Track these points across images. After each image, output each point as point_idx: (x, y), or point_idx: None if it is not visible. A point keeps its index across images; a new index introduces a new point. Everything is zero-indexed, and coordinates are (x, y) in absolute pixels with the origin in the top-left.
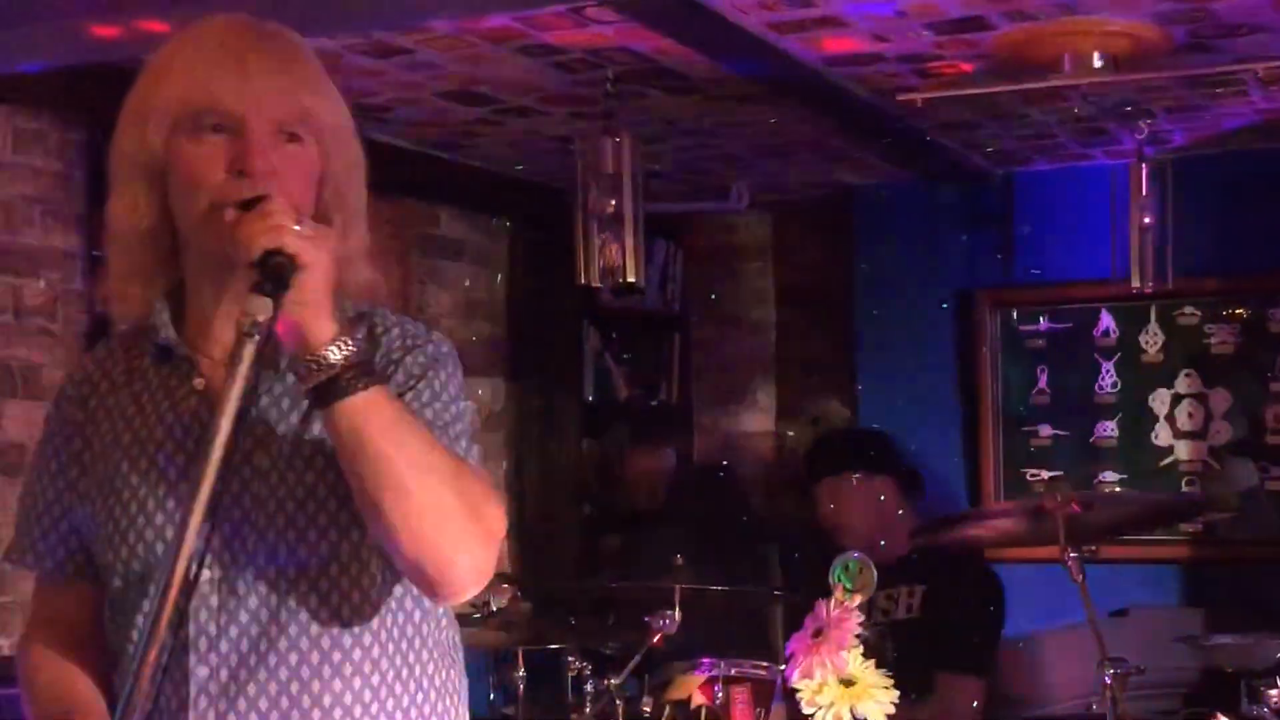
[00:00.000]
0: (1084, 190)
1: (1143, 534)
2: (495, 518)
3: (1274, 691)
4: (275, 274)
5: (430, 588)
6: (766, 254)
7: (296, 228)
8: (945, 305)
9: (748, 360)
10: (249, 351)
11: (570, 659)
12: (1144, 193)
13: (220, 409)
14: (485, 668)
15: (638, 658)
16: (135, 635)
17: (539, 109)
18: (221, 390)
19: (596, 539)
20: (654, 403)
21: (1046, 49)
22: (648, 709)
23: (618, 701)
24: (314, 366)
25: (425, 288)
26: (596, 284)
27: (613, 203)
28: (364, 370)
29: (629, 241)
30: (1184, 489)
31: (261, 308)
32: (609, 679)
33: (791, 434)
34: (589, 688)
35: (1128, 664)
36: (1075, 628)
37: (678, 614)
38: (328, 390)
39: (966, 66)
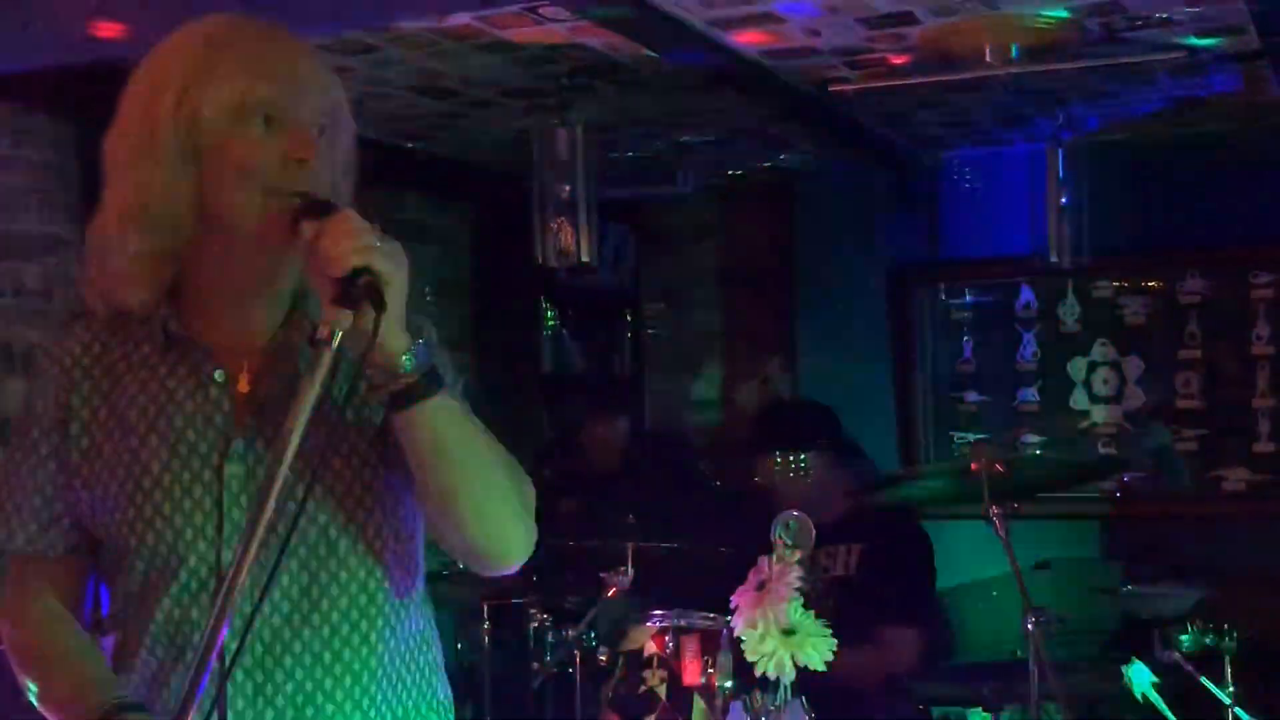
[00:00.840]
0: (1006, 173)
1: (1062, 492)
2: (532, 494)
3: (1185, 638)
4: (366, 292)
5: (489, 564)
6: (712, 235)
7: (379, 243)
8: (878, 282)
9: (695, 334)
10: (326, 360)
11: (532, 612)
12: (1061, 175)
13: (297, 413)
14: (453, 621)
15: (594, 611)
16: (159, 615)
17: (498, 102)
18: (253, 384)
19: (556, 501)
20: (608, 374)
21: (969, 42)
22: (604, 658)
23: (576, 651)
24: (391, 375)
25: None
26: (553, 264)
27: (567, 188)
28: (434, 377)
29: (583, 224)
30: (1100, 450)
31: (344, 320)
32: (568, 631)
33: (740, 394)
34: (549, 639)
35: (1049, 613)
36: (1000, 580)
37: (632, 570)
38: (404, 396)
39: (895, 59)
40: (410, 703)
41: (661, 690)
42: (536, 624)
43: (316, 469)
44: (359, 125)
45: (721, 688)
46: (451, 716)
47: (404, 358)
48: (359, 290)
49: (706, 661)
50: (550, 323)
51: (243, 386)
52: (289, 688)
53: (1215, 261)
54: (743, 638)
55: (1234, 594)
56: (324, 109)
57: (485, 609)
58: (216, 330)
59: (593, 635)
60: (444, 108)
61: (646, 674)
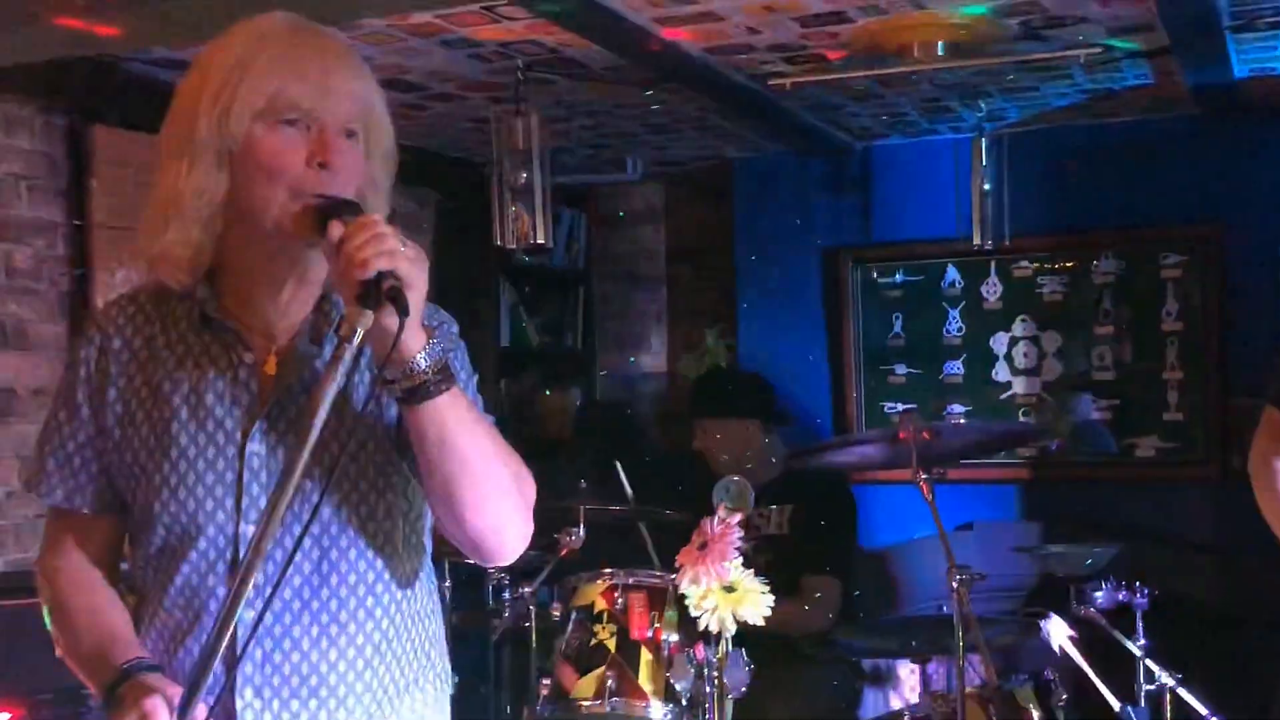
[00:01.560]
0: (932, 161)
1: (985, 458)
2: (532, 489)
3: (1099, 594)
4: (391, 295)
5: (483, 553)
6: (659, 218)
7: (404, 249)
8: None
9: (643, 311)
10: (348, 355)
11: (490, 571)
12: (983, 163)
13: (316, 403)
14: None
15: (549, 569)
16: (178, 580)
17: (459, 94)
18: (281, 369)
19: None
20: (561, 348)
21: (897, 39)
22: (557, 613)
23: (531, 607)
24: (406, 372)
25: None
26: (510, 245)
27: (524, 175)
28: (447, 374)
29: (538, 208)
30: (1020, 419)
31: (366, 319)
32: (524, 588)
33: (683, 364)
34: (506, 595)
35: (972, 571)
36: (927, 540)
37: (583, 531)
38: (418, 392)
39: (829, 55)
40: (411, 675)
41: (611, 643)
42: (494, 581)
43: (335, 457)
44: None
45: (667, 641)
46: (450, 687)
47: (419, 356)
48: (382, 293)
49: (653, 616)
50: (508, 299)
51: (269, 369)
52: (295, 656)
53: (1128, 243)
54: (687, 594)
55: (1145, 553)
56: (354, 114)
57: (446, 566)
58: (249, 315)
59: (547, 592)
60: (408, 100)
61: (597, 628)
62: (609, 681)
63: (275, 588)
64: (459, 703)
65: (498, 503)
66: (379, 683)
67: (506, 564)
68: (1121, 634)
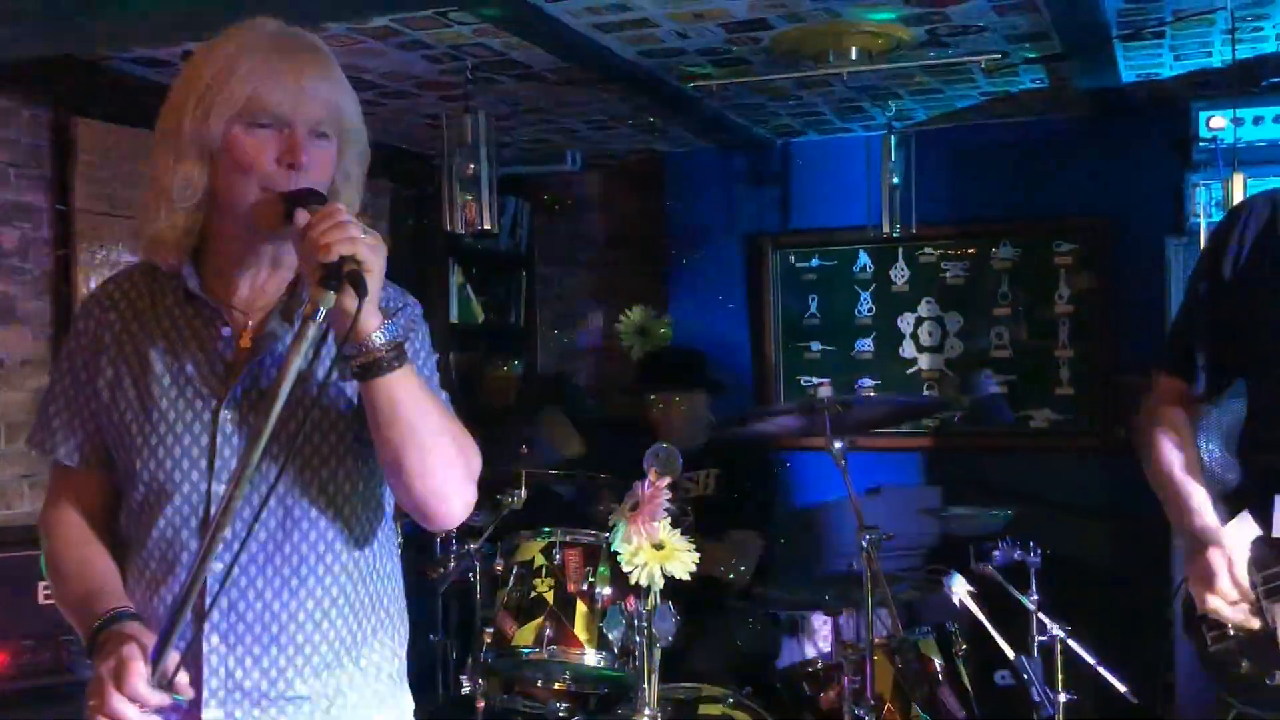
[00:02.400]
0: (845, 156)
1: (892, 428)
2: (478, 461)
3: (996, 553)
4: (351, 278)
5: (428, 517)
6: (596, 207)
7: (364, 235)
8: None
9: (580, 292)
10: (312, 332)
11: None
12: (892, 158)
13: (283, 375)
14: None
15: (492, 527)
16: (155, 533)
17: (413, 92)
18: (254, 342)
19: None
20: (505, 325)
21: (815, 44)
22: (499, 568)
23: (476, 562)
24: (362, 349)
25: None
26: (460, 231)
27: (472, 166)
28: (400, 353)
29: (485, 197)
30: (925, 392)
31: (328, 300)
32: (469, 544)
33: (625, 338)
34: (453, 551)
35: (880, 531)
36: (839, 503)
37: (524, 492)
38: (372, 369)
39: (751, 59)
40: (369, 627)
41: (549, 596)
42: (442, 538)
43: (299, 425)
44: None
45: (600, 594)
46: (405, 642)
47: (375, 335)
48: (343, 275)
49: (588, 571)
50: (456, 280)
51: (244, 342)
52: (258, 606)
53: (1024, 232)
54: (619, 551)
55: (1038, 516)
56: (325, 118)
57: (399, 525)
58: (228, 293)
59: (491, 548)
60: (366, 97)
61: (536, 582)
62: (547, 631)
63: (242, 544)
64: (409, 649)
65: (443, 472)
66: (336, 634)
67: (451, 528)
68: (1016, 590)
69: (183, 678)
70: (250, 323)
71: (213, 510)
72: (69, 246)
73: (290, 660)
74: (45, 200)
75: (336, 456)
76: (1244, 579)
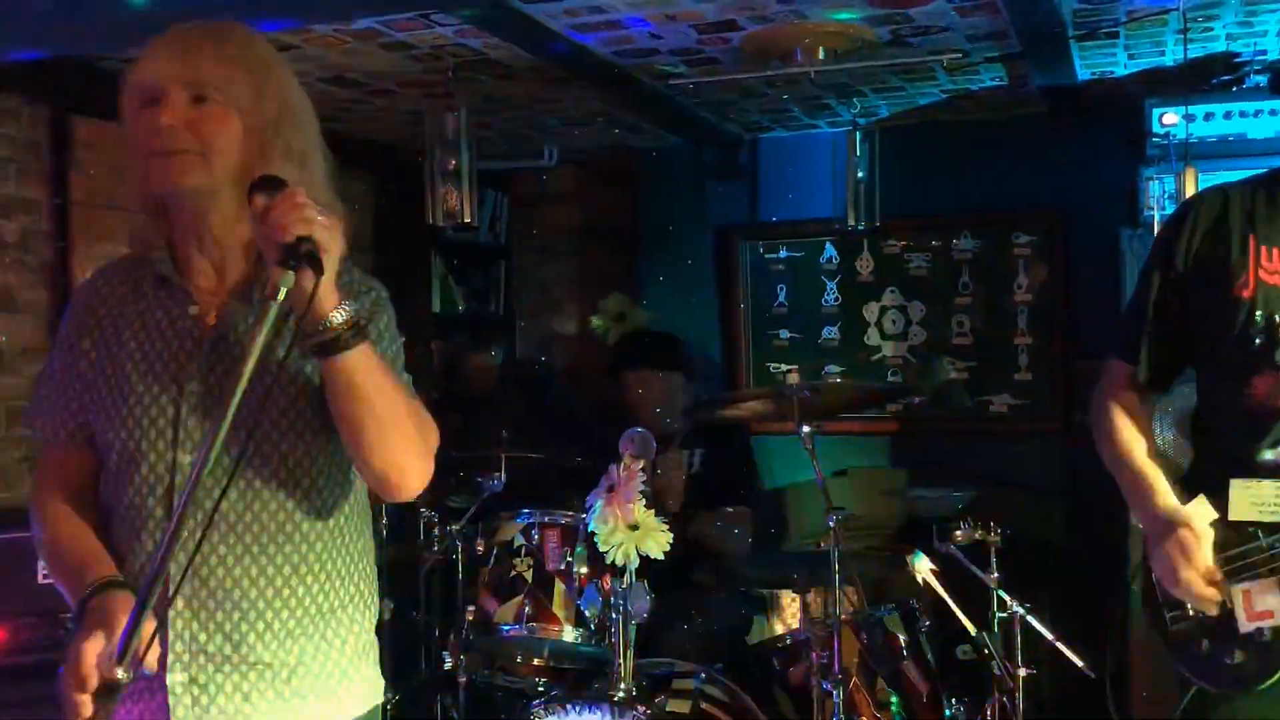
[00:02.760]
0: (812, 152)
1: (858, 413)
2: (435, 437)
3: (958, 532)
4: (307, 259)
5: (386, 490)
6: (572, 200)
7: (321, 218)
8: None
9: (557, 281)
10: (272, 311)
11: (422, 510)
12: (857, 154)
13: (246, 353)
14: None
15: (473, 509)
16: (124, 500)
17: (396, 90)
18: (219, 321)
19: (442, 417)
20: (485, 313)
21: (783, 44)
22: (480, 548)
23: (458, 542)
24: (320, 328)
25: None
26: (441, 223)
27: (453, 161)
28: (358, 330)
29: (466, 191)
30: (889, 379)
31: (288, 280)
32: (451, 525)
33: (598, 324)
34: (436, 532)
35: (847, 511)
36: (808, 485)
37: (504, 475)
38: (330, 346)
39: (722, 58)
40: (335, 600)
41: (528, 575)
42: (425, 520)
43: (262, 401)
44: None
45: (578, 572)
46: (373, 614)
47: (333, 314)
48: (301, 255)
49: (566, 551)
50: (438, 270)
51: (210, 320)
52: (220, 572)
53: (984, 224)
54: (596, 531)
55: (998, 497)
56: (192, 78)
57: (383, 508)
58: (197, 275)
59: (472, 529)
60: (352, 95)
61: (516, 561)
62: (526, 608)
63: (210, 517)
64: (393, 628)
65: (398, 446)
66: (298, 602)
67: (408, 500)
68: (977, 568)
69: (153, 655)
70: (217, 303)
71: (178, 478)
72: (67, 239)
73: (251, 625)
74: (44, 194)
75: (297, 432)
76: (1210, 559)
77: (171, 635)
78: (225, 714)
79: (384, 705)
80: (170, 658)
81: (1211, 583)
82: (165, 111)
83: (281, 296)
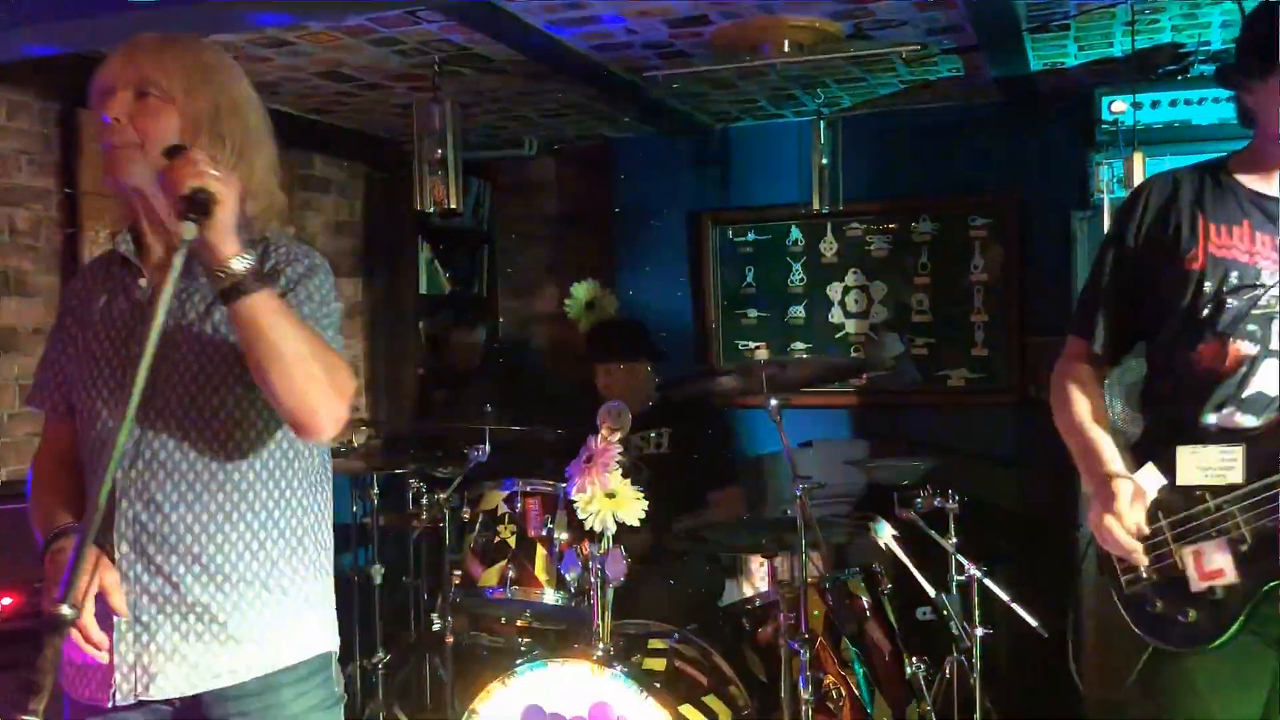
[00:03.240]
0: (779, 140)
1: (823, 387)
2: (347, 382)
3: (918, 500)
4: (199, 206)
5: (301, 430)
6: (551, 188)
7: (214, 172)
8: (679, 223)
9: (537, 265)
10: (178, 261)
11: (411, 480)
12: (821, 141)
13: (156, 300)
14: (350, 487)
15: (460, 478)
16: (87, 449)
17: (385, 84)
18: (157, 287)
19: (429, 393)
20: (469, 295)
21: (751, 38)
22: (466, 515)
23: (445, 510)
24: (222, 274)
25: (304, 214)
26: (428, 209)
27: (439, 151)
28: (258, 276)
29: (451, 179)
30: (852, 354)
31: (189, 230)
32: (439, 494)
33: (569, 305)
34: (424, 501)
35: (813, 480)
36: (775, 456)
37: (488, 447)
38: (232, 291)
39: (693, 52)
40: (275, 550)
41: (511, 541)
42: (414, 489)
43: (184, 350)
44: (276, 102)
45: (558, 539)
46: (321, 573)
47: (233, 260)
48: (196, 205)
49: (547, 518)
50: (425, 254)
51: (155, 290)
52: (158, 517)
53: (941, 208)
54: (575, 500)
55: (956, 466)
56: (136, 78)
57: (374, 478)
58: (149, 253)
59: (458, 498)
60: (344, 88)
61: (500, 528)
62: (509, 572)
63: (137, 449)
64: (385, 590)
65: (305, 387)
66: (232, 547)
67: (321, 439)
68: (936, 534)
69: (122, 598)
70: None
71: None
72: (76, 225)
73: (189, 568)
74: (54, 184)
75: (227, 384)
76: (1141, 520)
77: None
78: (164, 652)
79: (377, 664)
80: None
81: (1137, 535)
82: (111, 106)
83: (184, 248)
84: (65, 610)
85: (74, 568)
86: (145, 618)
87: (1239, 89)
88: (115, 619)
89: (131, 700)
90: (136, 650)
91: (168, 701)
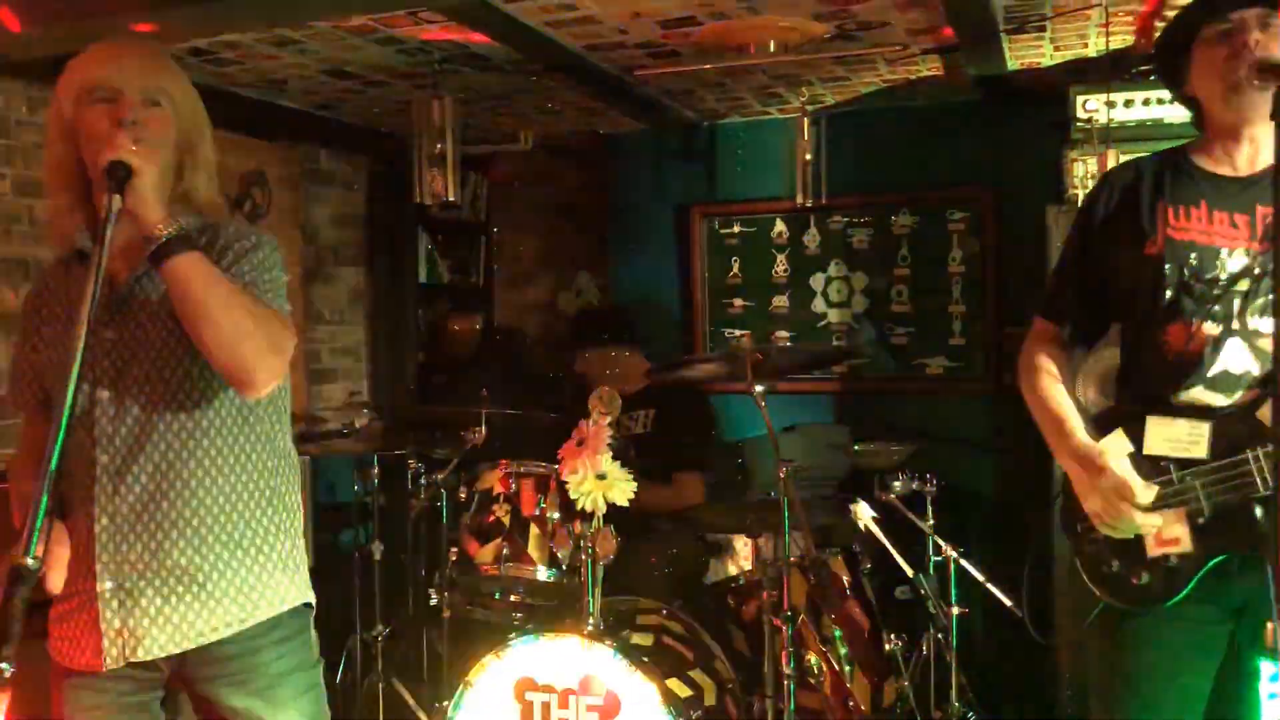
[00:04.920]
0: (764, 136)
1: (805, 373)
2: (284, 340)
3: (897, 483)
4: (118, 178)
5: (238, 385)
6: (545, 181)
7: (133, 148)
8: (668, 216)
9: (532, 255)
10: (108, 232)
11: (410, 461)
12: (805, 137)
13: (90, 273)
14: (351, 468)
15: (457, 460)
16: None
17: (388, 81)
18: (127, 276)
19: (428, 377)
20: (467, 284)
21: (738, 38)
22: (463, 495)
23: (443, 490)
24: (151, 239)
25: (311, 205)
26: (428, 202)
27: (439, 146)
28: (184, 240)
29: (449, 173)
30: (834, 343)
31: (115, 202)
32: (437, 475)
33: (562, 299)
34: (423, 481)
35: (796, 463)
36: (760, 440)
37: (484, 429)
38: (160, 254)
39: (683, 51)
40: (248, 512)
41: (506, 520)
42: (413, 470)
43: (138, 329)
44: (284, 99)
45: (550, 518)
46: (289, 536)
47: (158, 226)
48: (114, 176)
49: (540, 498)
50: (424, 245)
51: (121, 279)
52: (136, 488)
53: (921, 202)
54: (567, 481)
55: (934, 451)
56: (150, 87)
57: (376, 458)
58: (112, 247)
59: (455, 478)
60: (347, 85)
61: (495, 508)
62: (504, 550)
63: (93, 429)
64: (384, 566)
65: (237, 344)
66: (207, 511)
67: (260, 394)
68: (915, 516)
69: (56, 575)
70: (127, 264)
71: (96, 411)
72: None
73: (166, 534)
74: None
75: (190, 356)
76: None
77: (98, 548)
78: (149, 615)
79: (376, 637)
80: (98, 568)
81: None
82: (126, 108)
83: (111, 217)
84: (29, 561)
85: (34, 523)
86: (129, 584)
87: (1175, 84)
88: (99, 588)
89: (121, 664)
90: (123, 615)
91: (156, 665)
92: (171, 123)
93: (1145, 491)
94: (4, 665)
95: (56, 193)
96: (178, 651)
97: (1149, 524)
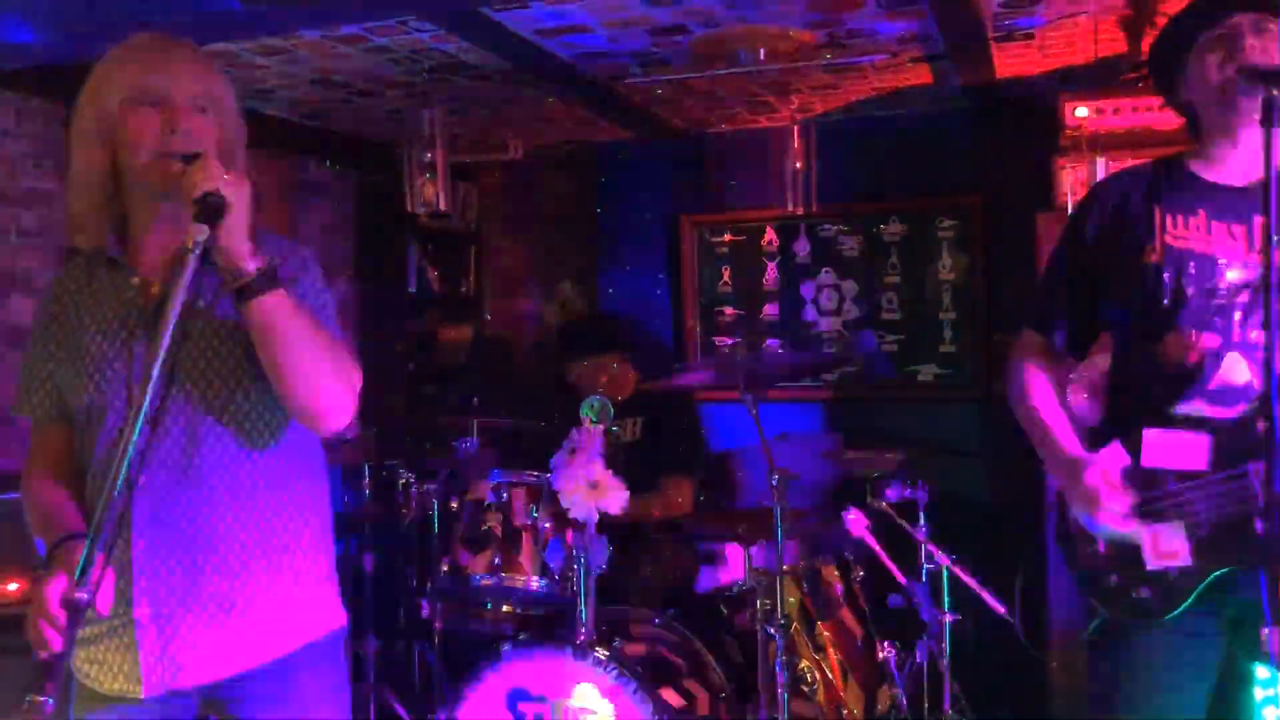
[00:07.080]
0: (754, 144)
1: (797, 381)
2: (356, 378)
3: (889, 491)
4: (212, 209)
5: (312, 424)
6: (535, 190)
7: (226, 176)
8: (658, 224)
9: (522, 265)
10: (191, 261)
11: (401, 471)
12: (795, 146)
13: (171, 300)
14: (342, 478)
15: (448, 470)
16: (97, 453)
17: (377, 90)
18: (160, 286)
19: (419, 387)
20: (457, 294)
21: (728, 47)
22: (454, 505)
23: (435, 500)
24: (236, 275)
25: (301, 214)
26: (418, 211)
27: (428, 155)
28: (271, 276)
29: (440, 182)
30: (825, 351)
31: (202, 233)
32: (428, 485)
33: (547, 310)
34: (414, 490)
35: (788, 472)
36: (752, 448)
37: (475, 439)
38: (246, 291)
39: (672, 60)
40: (286, 535)
41: (498, 529)
42: (404, 480)
43: (194, 349)
44: (273, 108)
45: (543, 527)
46: (326, 553)
47: (245, 262)
48: (208, 208)
49: (532, 508)
50: (415, 254)
51: (154, 289)
52: (175, 512)
53: (910, 209)
54: (559, 490)
55: (925, 459)
56: (200, 93)
57: (367, 468)
58: (143, 254)
59: (446, 488)
60: (337, 94)
61: (486, 517)
62: (496, 560)
63: (144, 454)
64: (376, 577)
65: (314, 383)
66: (248, 535)
67: (333, 432)
68: (907, 523)
69: (106, 598)
70: (161, 274)
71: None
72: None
73: (207, 559)
74: (60, 187)
75: (235, 378)
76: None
77: (135, 573)
78: (187, 643)
79: (368, 649)
80: (135, 592)
81: (1132, 515)
82: (182, 115)
83: (198, 249)
84: (82, 595)
85: (88, 557)
86: (167, 611)
87: (1170, 91)
88: (137, 615)
89: (161, 691)
90: (162, 643)
91: (191, 689)
92: (216, 131)
93: (1119, 499)
94: (45, 699)
95: (84, 193)
96: (216, 680)
97: (1127, 531)
